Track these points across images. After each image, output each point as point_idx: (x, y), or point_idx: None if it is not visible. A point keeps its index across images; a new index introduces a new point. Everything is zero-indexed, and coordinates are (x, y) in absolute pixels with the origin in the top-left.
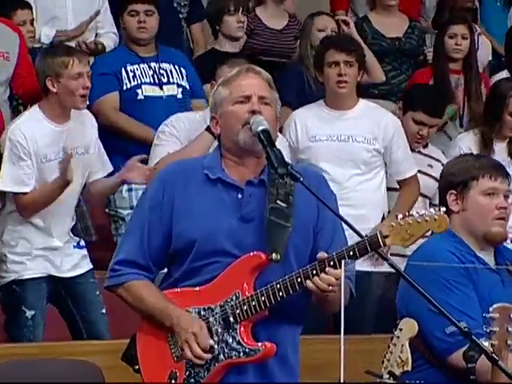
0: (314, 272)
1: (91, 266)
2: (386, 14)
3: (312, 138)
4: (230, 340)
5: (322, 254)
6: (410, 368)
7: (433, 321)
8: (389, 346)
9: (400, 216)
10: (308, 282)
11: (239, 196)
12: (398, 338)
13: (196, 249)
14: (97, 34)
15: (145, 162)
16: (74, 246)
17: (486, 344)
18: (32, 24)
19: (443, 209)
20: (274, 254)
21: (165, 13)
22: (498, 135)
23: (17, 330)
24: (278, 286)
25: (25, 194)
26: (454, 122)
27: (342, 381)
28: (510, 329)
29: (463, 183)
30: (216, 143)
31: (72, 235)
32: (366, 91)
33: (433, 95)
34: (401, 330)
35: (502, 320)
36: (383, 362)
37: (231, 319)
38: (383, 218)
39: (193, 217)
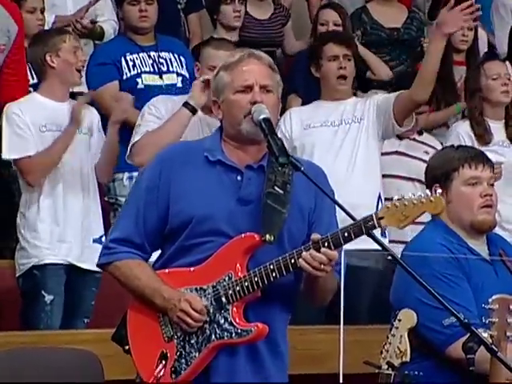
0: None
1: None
2: (385, 4)
3: (307, 126)
4: (222, 321)
5: (315, 235)
6: (408, 359)
7: (429, 314)
8: (387, 337)
9: (395, 197)
10: (301, 260)
11: (238, 178)
12: (396, 328)
13: (192, 226)
14: (96, 22)
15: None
16: (94, 240)
17: (485, 335)
18: (42, 12)
19: (439, 190)
20: (267, 235)
21: (163, 3)
22: (491, 111)
23: (34, 314)
24: (272, 266)
25: (29, 157)
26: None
27: (341, 372)
28: (509, 320)
29: (445, 175)
30: (195, 120)
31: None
32: (364, 81)
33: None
34: (400, 320)
35: (501, 311)
36: (382, 352)
37: (223, 300)
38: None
39: (191, 196)
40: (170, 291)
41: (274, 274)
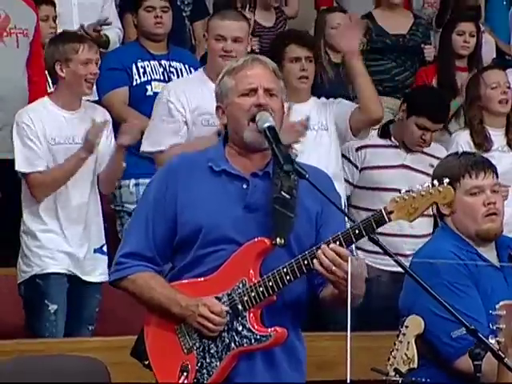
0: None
1: (103, 279)
2: (391, 11)
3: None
4: (240, 328)
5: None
6: (416, 365)
7: (438, 325)
8: (395, 343)
9: (403, 191)
10: (314, 260)
11: (244, 186)
12: (404, 335)
13: (202, 236)
14: (100, 30)
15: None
16: (95, 250)
17: (492, 341)
18: (54, 21)
19: (446, 180)
20: (277, 239)
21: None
22: (490, 119)
23: (39, 324)
24: (285, 269)
25: (40, 172)
26: (458, 120)
27: (348, 379)
28: None
29: None
30: None
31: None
32: None
33: (437, 100)
34: (407, 327)
35: (508, 317)
36: (389, 359)
37: (239, 307)
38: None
39: (198, 206)
40: (187, 299)
41: (287, 278)
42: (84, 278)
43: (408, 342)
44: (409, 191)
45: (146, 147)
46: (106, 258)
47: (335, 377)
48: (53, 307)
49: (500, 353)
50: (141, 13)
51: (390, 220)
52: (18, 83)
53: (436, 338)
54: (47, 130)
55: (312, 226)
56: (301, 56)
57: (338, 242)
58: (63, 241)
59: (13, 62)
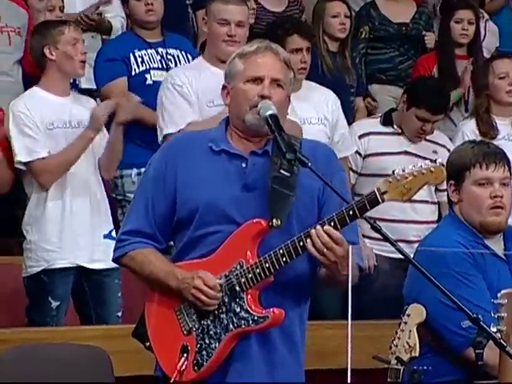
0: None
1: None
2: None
3: None
4: (238, 309)
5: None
6: (417, 354)
7: (447, 314)
8: (396, 332)
9: (396, 171)
10: (308, 240)
11: (243, 165)
12: (405, 323)
13: (199, 216)
14: (102, 13)
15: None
16: (105, 236)
17: (493, 330)
18: (62, 10)
19: (439, 160)
20: (274, 220)
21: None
22: (497, 109)
23: (40, 317)
24: (281, 251)
25: (43, 158)
26: (459, 107)
27: (349, 367)
28: None
29: (458, 173)
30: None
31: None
32: (372, 77)
33: (436, 91)
34: (409, 315)
35: (510, 306)
36: (391, 347)
37: (237, 288)
38: None
39: (196, 185)
40: (184, 272)
41: (284, 259)
42: (95, 266)
43: (410, 331)
44: (401, 171)
45: (166, 130)
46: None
47: (337, 365)
48: (55, 304)
49: (502, 341)
50: (131, 2)
51: (383, 200)
52: (12, 79)
53: (444, 327)
54: (44, 116)
55: (314, 204)
56: (302, 47)
57: (332, 223)
58: (71, 231)
59: (5, 59)
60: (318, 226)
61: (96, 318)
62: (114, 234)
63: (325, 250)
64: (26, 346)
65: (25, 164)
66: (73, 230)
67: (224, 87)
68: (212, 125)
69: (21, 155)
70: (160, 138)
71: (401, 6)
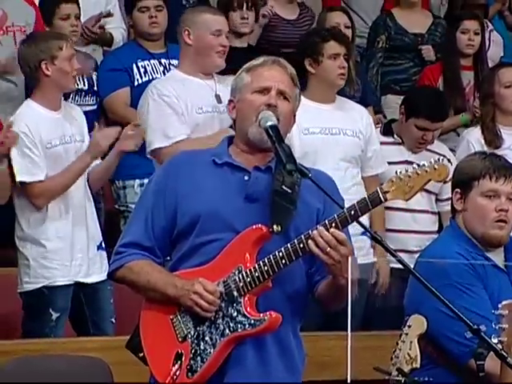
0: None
1: None
2: (410, 9)
3: (305, 130)
4: (235, 313)
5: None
6: (418, 365)
7: (449, 325)
8: (397, 343)
9: (399, 171)
10: (310, 241)
11: (245, 178)
12: (406, 334)
13: (200, 224)
14: (104, 26)
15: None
16: (98, 248)
17: (494, 341)
18: (78, 18)
19: (442, 158)
20: (275, 226)
21: (174, 10)
22: (503, 118)
23: (39, 328)
24: (281, 253)
25: (40, 181)
26: None
27: (349, 379)
28: None
29: (466, 182)
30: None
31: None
32: (387, 88)
33: (434, 100)
34: (409, 326)
35: (510, 317)
36: (392, 358)
37: (235, 293)
38: None
39: (198, 195)
40: (182, 280)
41: (283, 261)
42: (93, 280)
43: (411, 342)
44: (405, 171)
45: (156, 144)
46: (105, 252)
47: (339, 377)
48: (56, 315)
49: (503, 352)
50: (135, 14)
51: (385, 200)
52: (16, 80)
53: (447, 338)
54: (43, 135)
55: (312, 222)
56: (340, 52)
57: (334, 224)
58: (70, 247)
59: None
60: (320, 227)
61: (92, 325)
62: (103, 244)
63: (328, 248)
64: (26, 358)
65: (22, 183)
66: (72, 247)
67: (230, 101)
68: (206, 142)
69: (21, 175)
70: (148, 151)
71: (417, 17)
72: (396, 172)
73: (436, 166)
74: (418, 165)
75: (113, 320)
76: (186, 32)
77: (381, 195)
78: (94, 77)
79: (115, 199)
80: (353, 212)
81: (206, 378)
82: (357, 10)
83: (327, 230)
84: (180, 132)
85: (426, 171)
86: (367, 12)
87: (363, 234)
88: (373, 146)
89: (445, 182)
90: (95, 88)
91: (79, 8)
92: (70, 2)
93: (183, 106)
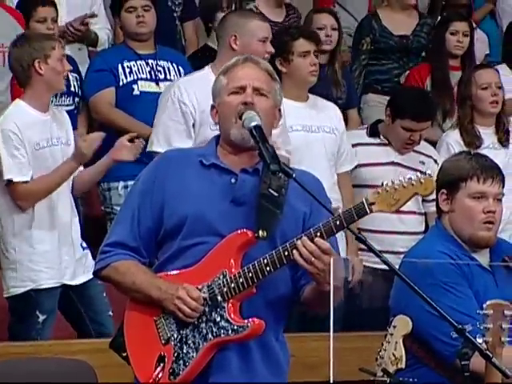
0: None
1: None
2: (399, 11)
3: (289, 128)
4: (218, 318)
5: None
6: (403, 365)
7: (435, 324)
8: (382, 344)
9: (385, 182)
10: (294, 251)
11: (232, 180)
12: (391, 335)
13: (187, 226)
14: (87, 23)
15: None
16: (83, 247)
17: (479, 341)
18: (55, 21)
19: (429, 171)
20: (260, 231)
21: (160, 12)
22: (480, 119)
23: (25, 331)
24: (265, 260)
25: (25, 182)
26: (451, 119)
27: (331, 380)
28: (503, 325)
29: (453, 184)
30: None
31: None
32: (369, 86)
33: (418, 100)
34: (394, 327)
35: (495, 317)
36: (377, 359)
37: (219, 298)
38: None
39: (185, 197)
40: (167, 283)
41: (268, 268)
42: (80, 281)
43: (396, 342)
44: (391, 183)
45: (156, 148)
46: (88, 251)
47: (323, 378)
48: (42, 317)
49: (488, 352)
50: (123, 14)
51: (371, 211)
52: (2, 98)
53: (433, 337)
54: (31, 136)
55: (298, 227)
56: (309, 50)
57: (319, 234)
58: (57, 250)
59: None
60: (304, 237)
61: (90, 322)
62: (84, 244)
63: (312, 258)
64: (12, 361)
65: (8, 182)
66: (58, 249)
67: (212, 107)
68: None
69: (10, 172)
70: (147, 150)
71: (403, 18)
72: (382, 183)
73: (422, 180)
74: (406, 177)
75: (110, 313)
76: (233, 37)
77: (366, 207)
78: (71, 77)
79: (102, 201)
80: (338, 222)
81: (189, 381)
82: (351, 11)
83: (311, 240)
84: (183, 144)
85: (413, 184)
86: (361, 13)
87: None
88: (344, 143)
89: None
90: (72, 89)
91: (57, 11)
92: (47, 5)
93: (197, 118)
